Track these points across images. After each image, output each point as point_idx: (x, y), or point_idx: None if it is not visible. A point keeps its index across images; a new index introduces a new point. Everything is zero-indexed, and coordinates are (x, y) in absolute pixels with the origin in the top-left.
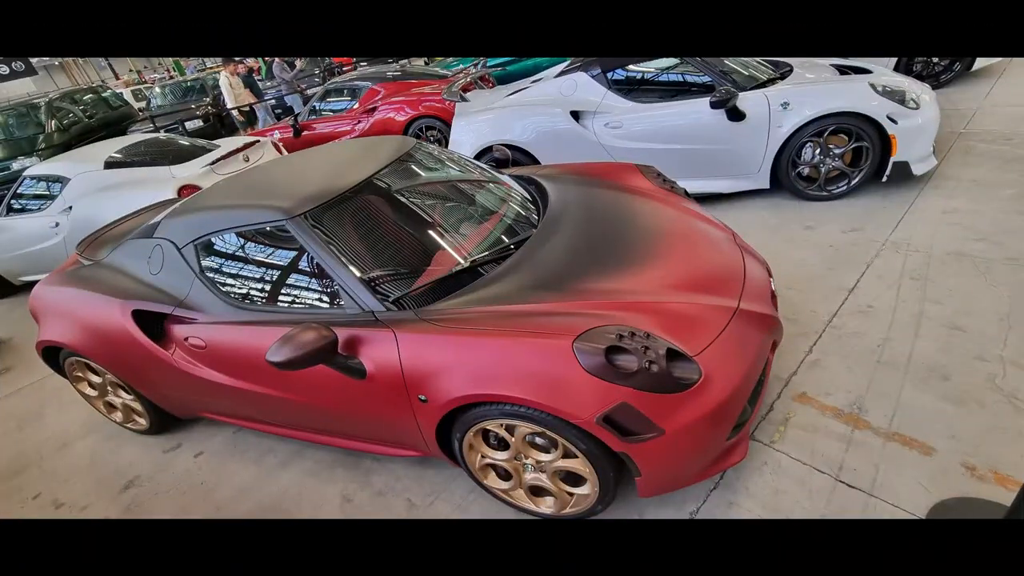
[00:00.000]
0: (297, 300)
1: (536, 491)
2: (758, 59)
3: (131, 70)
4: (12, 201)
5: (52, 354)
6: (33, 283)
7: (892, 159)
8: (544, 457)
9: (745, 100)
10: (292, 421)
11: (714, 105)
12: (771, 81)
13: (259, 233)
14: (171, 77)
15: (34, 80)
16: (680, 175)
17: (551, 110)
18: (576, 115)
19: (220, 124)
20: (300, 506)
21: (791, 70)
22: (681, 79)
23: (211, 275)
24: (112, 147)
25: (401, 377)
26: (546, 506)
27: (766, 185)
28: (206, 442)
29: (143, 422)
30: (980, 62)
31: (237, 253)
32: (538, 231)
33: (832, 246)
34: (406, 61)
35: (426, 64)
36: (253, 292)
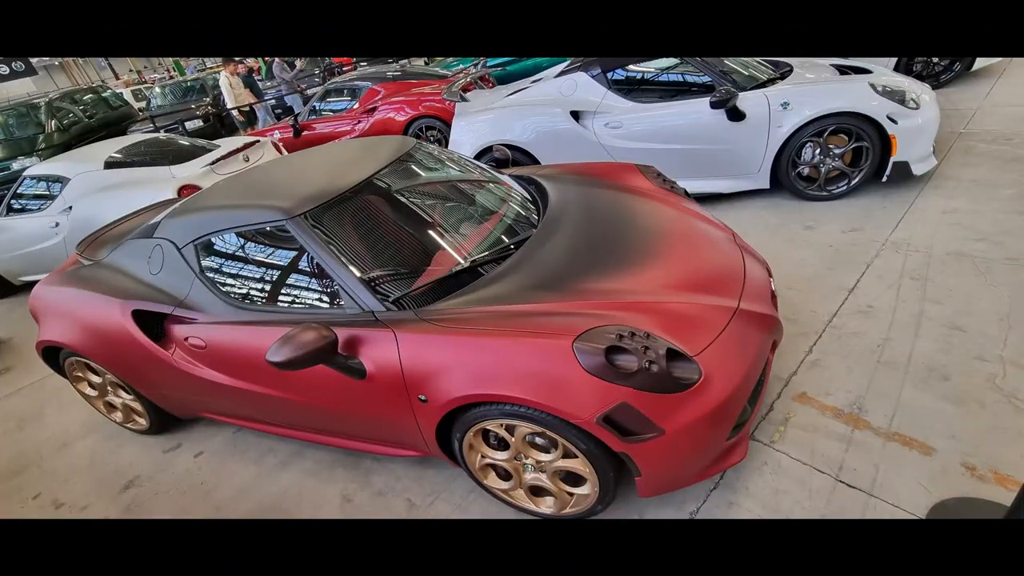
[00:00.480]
0: (297, 300)
1: (536, 491)
2: (758, 59)
3: (131, 70)
4: (12, 201)
5: (52, 354)
6: (33, 283)
7: (892, 159)
8: (544, 457)
9: (745, 100)
10: (292, 421)
11: (714, 105)
12: (771, 81)
13: (259, 233)
14: (171, 77)
15: (34, 80)
16: (680, 175)
17: (551, 110)
18: (576, 115)
19: (220, 124)
20: (300, 506)
21: (791, 70)
22: (681, 79)
23: (211, 275)
24: (112, 147)
25: (401, 377)
26: (546, 506)
27: (766, 185)
28: (206, 442)
29: (143, 422)
30: (980, 62)
31: (237, 253)
32: (538, 231)
33: (832, 246)
34: (406, 61)
35: (426, 64)
36: (253, 292)
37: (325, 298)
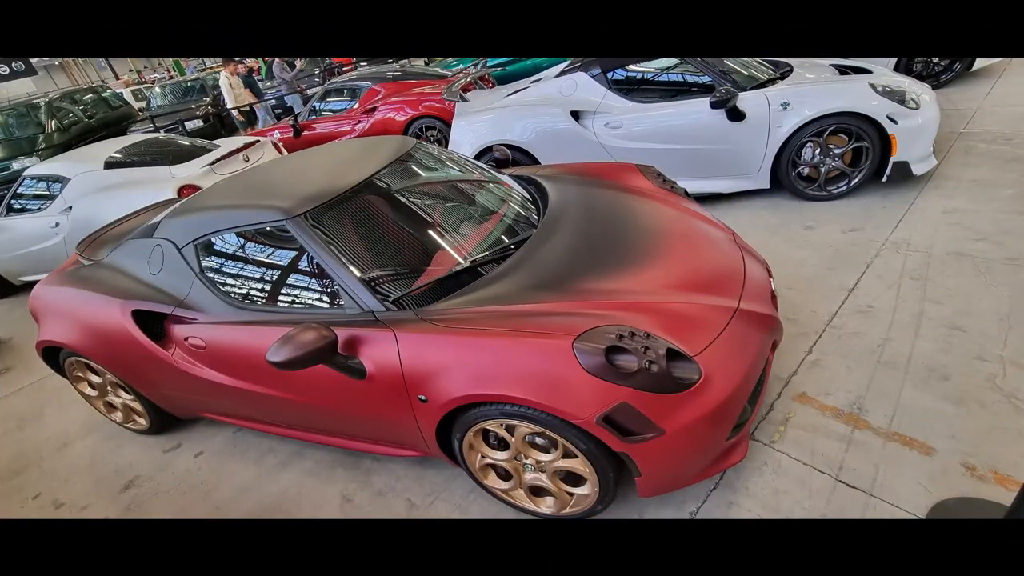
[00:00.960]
0: (297, 300)
1: (536, 491)
2: (758, 59)
3: (131, 70)
4: (12, 201)
5: (52, 354)
6: (33, 283)
7: (892, 159)
8: (544, 457)
9: (745, 100)
10: (292, 421)
11: (714, 105)
12: (771, 81)
13: (259, 233)
14: (171, 77)
15: (34, 80)
16: (680, 175)
17: (551, 110)
18: (576, 115)
19: (220, 124)
20: (300, 506)
21: (791, 70)
22: (681, 79)
23: (211, 275)
24: (112, 147)
25: (401, 377)
26: (546, 506)
27: (766, 185)
28: (206, 442)
29: (143, 422)
30: (980, 62)
31: (237, 253)
32: (538, 231)
33: (832, 246)
34: (406, 61)
35: (426, 64)
36: (253, 292)
37: (325, 298)
